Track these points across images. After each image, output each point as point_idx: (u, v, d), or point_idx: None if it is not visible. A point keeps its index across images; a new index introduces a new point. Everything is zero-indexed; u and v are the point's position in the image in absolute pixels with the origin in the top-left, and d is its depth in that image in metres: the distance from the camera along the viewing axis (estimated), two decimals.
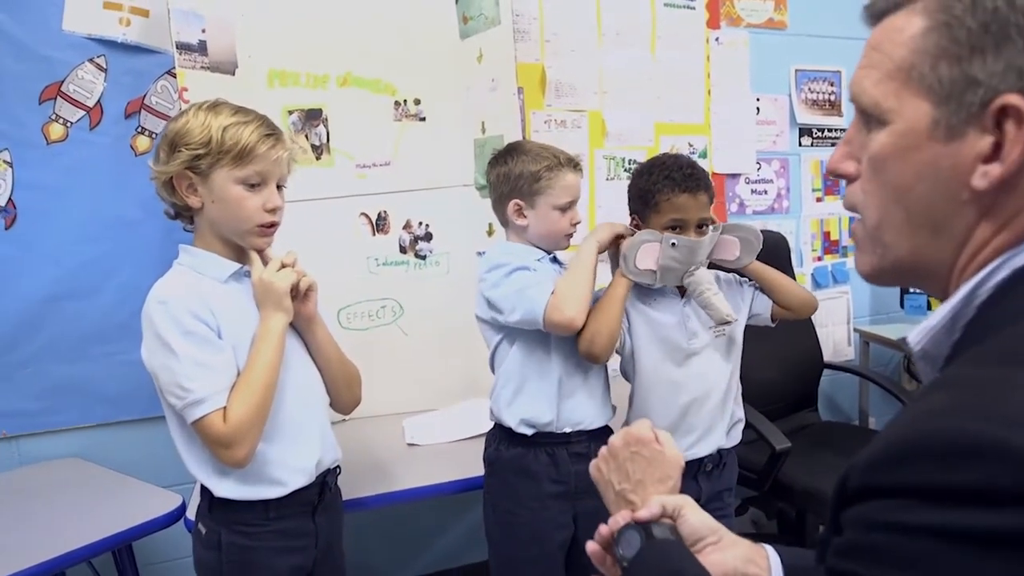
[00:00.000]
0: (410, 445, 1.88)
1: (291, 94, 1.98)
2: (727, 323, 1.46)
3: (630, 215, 1.56)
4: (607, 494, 0.88)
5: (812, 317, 1.71)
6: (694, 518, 0.79)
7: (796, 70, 2.72)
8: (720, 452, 1.60)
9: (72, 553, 1.41)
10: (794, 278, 2.41)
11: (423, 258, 2.15)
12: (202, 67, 1.82)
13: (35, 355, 1.90)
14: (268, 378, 1.21)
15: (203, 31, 1.82)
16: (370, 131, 2.06)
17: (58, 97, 1.88)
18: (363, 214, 2.10)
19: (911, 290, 2.77)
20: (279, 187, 1.27)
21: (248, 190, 1.22)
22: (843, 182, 0.65)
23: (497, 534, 1.57)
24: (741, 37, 2.61)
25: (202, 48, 1.82)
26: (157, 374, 1.20)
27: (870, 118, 0.60)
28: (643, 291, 1.56)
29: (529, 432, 1.49)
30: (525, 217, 1.50)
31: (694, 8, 2.51)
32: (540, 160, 1.47)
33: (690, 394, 1.54)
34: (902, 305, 2.87)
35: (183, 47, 1.80)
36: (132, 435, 1.99)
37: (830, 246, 2.86)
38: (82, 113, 1.91)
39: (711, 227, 1.50)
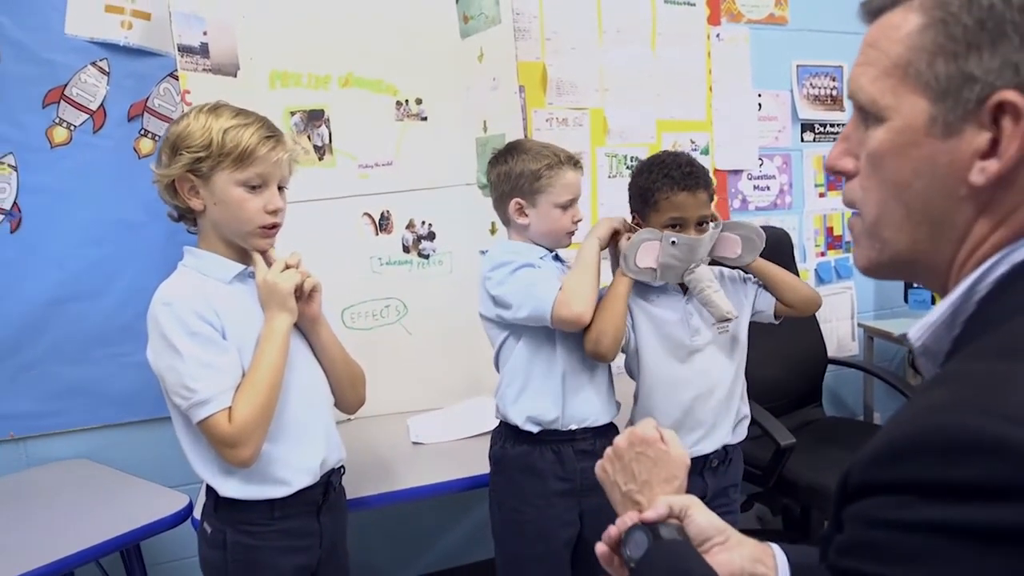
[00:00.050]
0: (415, 444, 1.89)
1: (293, 95, 1.99)
2: (728, 320, 1.46)
3: (631, 213, 1.57)
4: (613, 495, 0.88)
5: (816, 313, 1.71)
6: (701, 518, 0.79)
7: (797, 65, 2.72)
8: (726, 448, 1.60)
9: (80, 553, 1.42)
10: (797, 274, 2.40)
11: (426, 257, 2.16)
12: (204, 69, 1.83)
13: (41, 357, 1.91)
14: (273, 378, 1.22)
15: (204, 33, 1.83)
16: (372, 131, 2.07)
17: (61, 101, 1.89)
18: (366, 214, 2.11)
19: (915, 285, 2.77)
20: (280, 188, 1.28)
21: (249, 192, 1.22)
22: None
23: (503, 532, 1.58)
24: (742, 33, 2.60)
25: (204, 50, 1.83)
26: (163, 375, 1.21)
27: (868, 115, 0.60)
28: (646, 288, 1.56)
29: (535, 430, 1.49)
30: (526, 216, 1.50)
31: (694, 5, 2.51)
32: (540, 159, 1.48)
33: (694, 391, 1.55)
34: (906, 300, 2.87)
35: (185, 49, 1.80)
36: (139, 436, 2.00)
37: (833, 241, 2.85)
38: (85, 116, 1.91)
39: (711, 225, 1.50)
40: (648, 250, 1.46)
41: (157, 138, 1.97)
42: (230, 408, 1.19)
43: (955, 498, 0.44)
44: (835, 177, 2.65)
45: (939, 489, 0.45)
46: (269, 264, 1.28)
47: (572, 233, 1.54)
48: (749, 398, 1.66)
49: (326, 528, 1.36)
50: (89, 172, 1.92)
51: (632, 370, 1.61)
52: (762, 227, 1.57)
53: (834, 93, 2.79)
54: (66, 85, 1.89)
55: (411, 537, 2.39)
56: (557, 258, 1.56)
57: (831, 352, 2.61)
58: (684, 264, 1.47)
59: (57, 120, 1.89)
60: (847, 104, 0.54)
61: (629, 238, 1.49)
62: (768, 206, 2.73)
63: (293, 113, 2.00)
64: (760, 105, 2.68)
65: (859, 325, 2.87)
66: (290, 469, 1.28)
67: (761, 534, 2.61)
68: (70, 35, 1.87)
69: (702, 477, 1.57)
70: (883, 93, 0.58)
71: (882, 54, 0.58)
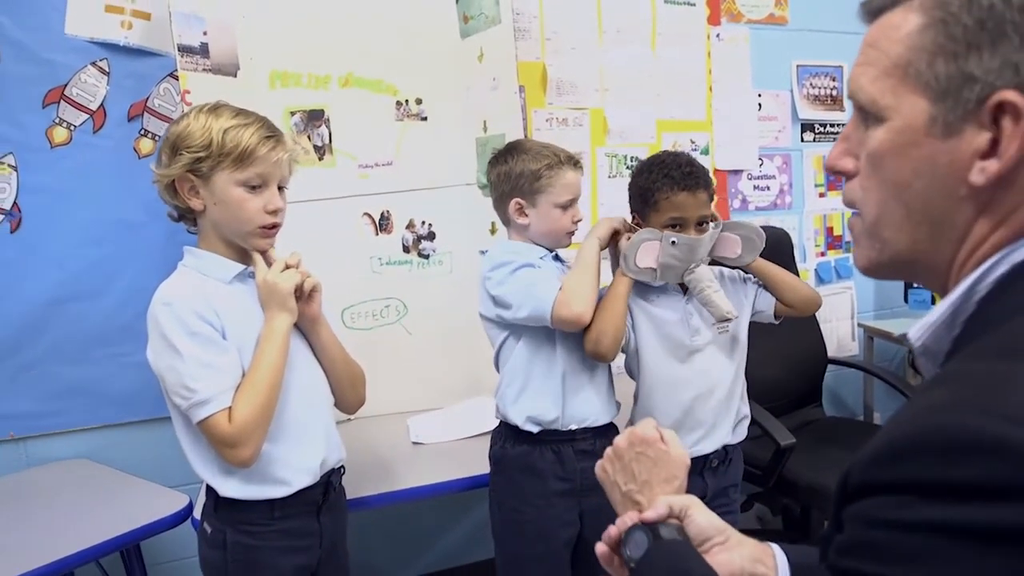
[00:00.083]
0: (415, 444, 1.89)
1: (293, 95, 1.99)
2: (727, 320, 1.46)
3: (631, 213, 1.57)
4: (613, 495, 0.88)
5: (816, 313, 1.71)
6: (701, 518, 0.79)
7: (797, 65, 2.72)
8: (726, 448, 1.60)
9: (80, 553, 1.42)
10: (797, 274, 2.40)
11: (426, 257, 2.16)
12: (204, 69, 1.83)
13: (41, 357, 1.91)
14: (273, 378, 1.22)
15: (204, 33, 1.83)
16: (372, 131, 2.07)
17: (61, 101, 1.89)
18: (366, 214, 2.11)
19: (915, 285, 2.77)
20: (280, 188, 1.28)
21: (249, 192, 1.23)
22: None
23: (503, 532, 1.58)
24: (742, 33, 2.60)
25: (204, 50, 1.83)
26: (163, 375, 1.21)
27: (868, 115, 0.60)
28: (646, 288, 1.56)
29: (535, 430, 1.49)
30: (526, 216, 1.50)
31: (694, 5, 2.51)
32: (540, 159, 1.48)
33: (694, 390, 1.55)
34: (906, 300, 2.87)
35: (185, 49, 1.80)
36: (139, 436, 2.00)
37: (833, 241, 2.85)
38: (85, 116, 1.91)
39: (711, 225, 1.50)
40: (648, 250, 1.46)
41: (157, 138, 1.97)
42: (230, 408, 1.19)
43: (955, 498, 0.44)
44: (835, 177, 2.66)
45: (939, 489, 0.45)
46: (269, 264, 1.28)
47: (572, 233, 1.54)
48: (749, 398, 1.66)
49: (326, 528, 1.36)
50: (89, 172, 1.92)
51: (632, 370, 1.61)
52: (762, 227, 1.57)
53: (834, 93, 2.79)
54: (66, 85, 1.89)
55: (411, 537, 2.39)
56: (557, 258, 1.56)
57: (831, 352, 2.61)
58: (684, 264, 1.47)
59: (57, 120, 1.89)
60: (847, 104, 0.53)
61: (629, 238, 1.50)
62: (768, 206, 2.73)
63: (293, 113, 2.00)
64: (760, 105, 2.68)
65: (859, 325, 2.87)
66: (290, 469, 1.28)
67: (761, 534, 2.61)
68: (70, 35, 1.87)
69: (702, 477, 1.57)
70: (883, 93, 0.58)
71: (882, 54, 0.58)
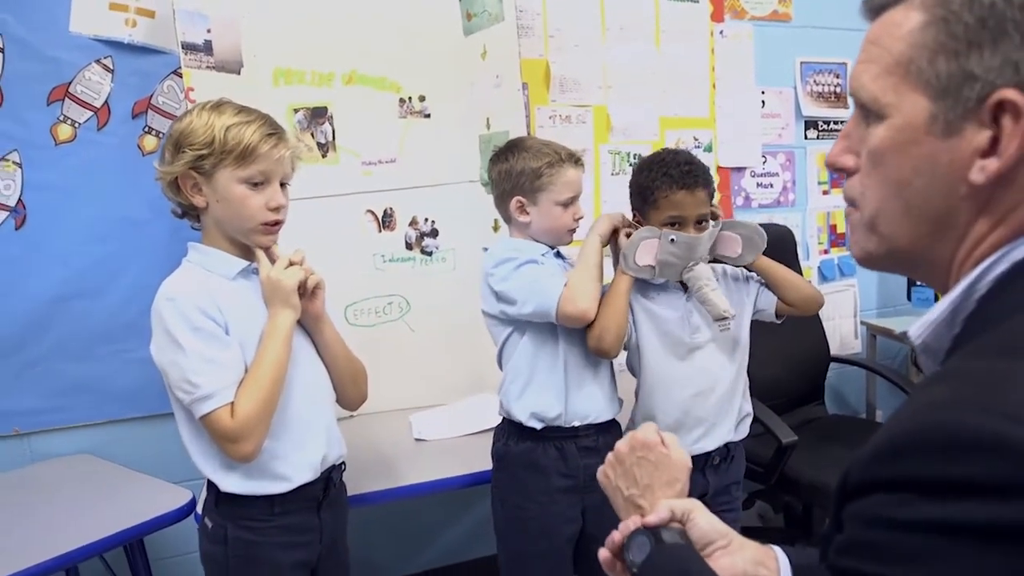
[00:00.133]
0: (417, 440, 1.89)
1: (296, 92, 1.99)
2: (725, 319, 1.46)
3: (631, 211, 1.57)
4: (616, 500, 0.88)
5: (818, 311, 1.70)
6: (703, 522, 0.79)
7: (801, 62, 2.71)
8: (728, 446, 1.60)
9: (84, 548, 1.43)
10: (800, 272, 2.41)
11: (429, 254, 2.16)
12: (208, 67, 1.83)
13: (45, 354, 1.92)
14: (275, 374, 1.23)
15: (208, 31, 1.83)
16: (375, 128, 2.07)
17: (66, 98, 1.89)
18: (369, 211, 2.11)
19: (918, 283, 2.76)
20: (283, 185, 1.28)
21: (251, 189, 1.23)
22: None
23: (506, 529, 1.58)
24: (745, 30, 2.60)
25: (207, 48, 1.83)
26: (166, 370, 1.21)
27: (869, 112, 0.60)
28: (647, 286, 1.56)
29: (538, 426, 1.49)
30: (528, 214, 1.50)
31: (698, 1, 2.50)
32: (541, 157, 1.48)
33: (694, 388, 1.55)
34: (909, 298, 2.86)
35: (189, 47, 1.80)
36: (142, 431, 2.01)
37: (836, 239, 2.84)
38: (90, 114, 1.92)
39: (711, 223, 1.50)
40: (647, 248, 1.47)
41: (161, 135, 1.97)
42: (232, 403, 1.19)
43: (955, 496, 0.44)
44: (837, 174, 2.64)
45: (939, 486, 0.45)
46: (273, 261, 1.28)
47: (573, 231, 1.54)
48: (751, 396, 1.66)
49: (326, 524, 1.36)
50: (93, 169, 1.92)
51: (634, 367, 1.62)
52: (765, 224, 1.57)
53: (838, 90, 2.78)
54: (70, 82, 1.89)
55: (413, 533, 2.39)
56: (559, 255, 1.56)
57: (834, 350, 2.61)
58: (683, 262, 1.47)
59: (61, 117, 1.90)
60: (851, 101, 0.53)
61: (629, 235, 1.50)
62: (771, 203, 2.73)
63: (296, 110, 2.00)
64: (763, 102, 2.67)
65: (862, 323, 2.86)
66: (291, 465, 1.28)
67: (763, 531, 2.62)
68: (74, 33, 1.88)
69: (704, 474, 1.57)
70: (884, 91, 0.58)
71: (884, 51, 0.58)
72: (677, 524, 0.79)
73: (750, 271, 1.63)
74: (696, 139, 2.55)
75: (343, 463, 1.42)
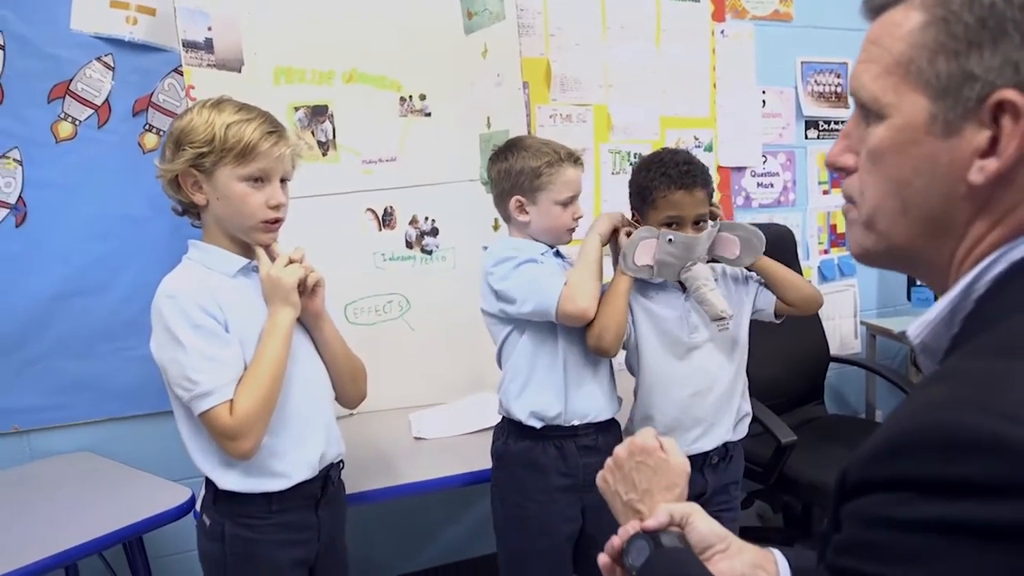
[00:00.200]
0: (417, 439, 1.89)
1: (297, 91, 1.99)
2: (722, 319, 1.46)
3: (631, 210, 1.57)
4: (615, 505, 0.88)
5: (819, 310, 1.70)
6: (702, 526, 0.79)
7: (802, 62, 2.71)
8: (726, 446, 1.60)
9: (83, 545, 1.43)
10: (800, 272, 2.41)
11: (429, 253, 2.16)
12: (208, 65, 1.83)
13: (45, 352, 1.92)
14: (275, 371, 1.23)
15: (209, 29, 1.83)
16: (376, 127, 2.07)
17: (66, 96, 1.89)
18: (369, 209, 2.11)
19: (918, 283, 2.76)
20: (283, 183, 1.28)
21: (251, 187, 1.23)
22: None
23: (505, 527, 1.58)
24: (746, 30, 2.60)
25: (208, 46, 1.83)
26: (165, 367, 1.22)
27: (869, 112, 0.60)
28: (645, 285, 1.56)
29: (537, 425, 1.50)
30: (527, 213, 1.50)
31: (699, 1, 2.50)
32: (540, 156, 1.48)
33: (693, 387, 1.55)
34: (909, 298, 2.86)
35: (189, 45, 1.80)
36: (142, 429, 2.01)
37: (836, 239, 2.84)
38: (90, 111, 1.92)
39: (710, 224, 1.51)
40: (646, 248, 1.47)
41: (161, 133, 1.97)
42: (232, 401, 1.19)
43: (953, 495, 0.45)
44: (838, 174, 2.65)
45: (938, 486, 0.45)
46: (273, 259, 1.29)
47: (573, 230, 1.54)
48: (751, 395, 1.66)
49: (324, 522, 1.37)
50: (94, 167, 1.92)
51: (632, 366, 1.62)
52: (765, 224, 1.57)
53: (838, 90, 2.78)
54: (71, 80, 1.89)
55: (413, 532, 2.40)
56: (558, 254, 1.57)
57: (833, 350, 2.61)
58: (681, 262, 1.48)
59: (62, 115, 1.90)
60: (851, 101, 0.53)
61: (629, 234, 1.50)
62: (771, 203, 2.73)
63: (297, 109, 2.00)
64: (764, 102, 2.67)
65: (862, 323, 2.86)
66: (289, 463, 1.28)
67: (762, 531, 2.62)
68: (75, 30, 1.88)
69: (702, 474, 1.57)
70: (884, 91, 0.58)
71: (884, 51, 0.58)
72: (676, 528, 0.78)
73: (750, 271, 1.64)
74: (696, 139, 2.55)
75: (341, 461, 1.42)
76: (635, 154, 2.43)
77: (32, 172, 1.88)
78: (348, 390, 1.42)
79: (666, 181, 1.47)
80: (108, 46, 1.91)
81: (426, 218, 2.15)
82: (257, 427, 1.21)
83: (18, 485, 1.77)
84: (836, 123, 2.80)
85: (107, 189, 1.93)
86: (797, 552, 0.79)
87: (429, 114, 2.12)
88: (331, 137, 2.04)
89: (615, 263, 1.53)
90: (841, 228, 2.85)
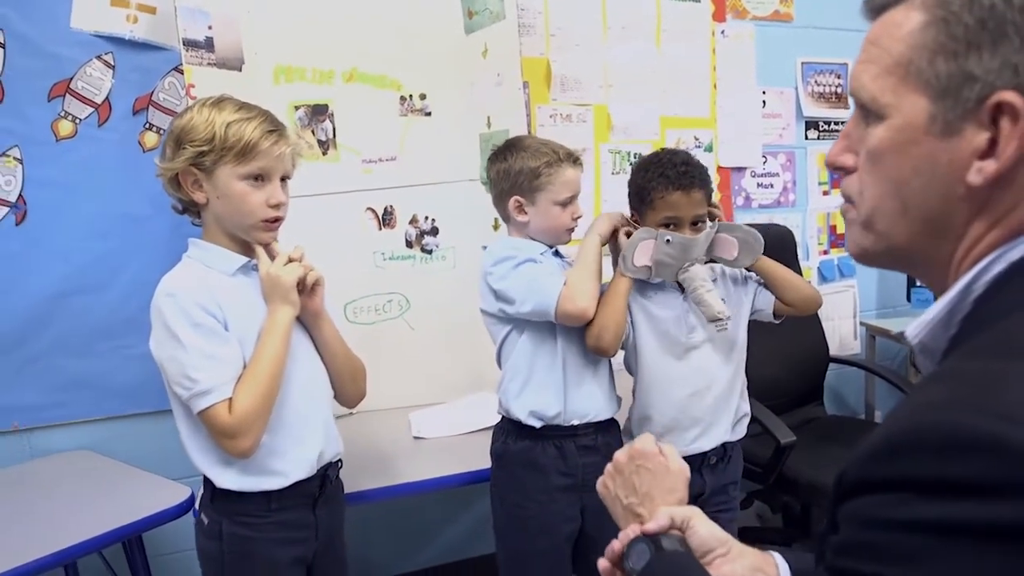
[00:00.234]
0: (416, 438, 1.89)
1: (297, 90, 2.00)
2: (719, 320, 1.46)
3: (630, 210, 1.58)
4: (615, 509, 0.88)
5: (818, 311, 1.70)
6: (703, 529, 0.78)
7: (802, 63, 2.71)
8: (725, 446, 1.60)
9: (83, 544, 1.43)
10: (800, 272, 2.41)
11: (429, 252, 2.16)
12: (209, 63, 1.84)
13: (45, 350, 1.92)
14: (274, 370, 1.23)
15: (209, 28, 1.83)
16: (376, 126, 2.07)
17: (67, 94, 1.89)
18: (369, 209, 2.11)
19: (918, 284, 2.77)
20: (284, 181, 1.28)
21: (252, 186, 1.23)
22: None
23: (505, 527, 1.58)
24: (747, 30, 2.60)
25: (209, 45, 1.83)
26: (164, 365, 1.22)
27: (868, 112, 0.60)
28: (644, 285, 1.56)
29: (537, 424, 1.50)
30: (526, 213, 1.50)
31: (699, 1, 2.50)
32: (539, 156, 1.48)
33: (691, 387, 1.55)
34: (909, 299, 2.86)
35: (190, 44, 1.81)
36: (142, 428, 2.01)
37: (836, 240, 2.84)
38: (90, 110, 1.92)
39: (708, 225, 1.51)
40: (644, 248, 1.47)
41: (162, 132, 1.97)
42: (231, 399, 1.19)
43: (952, 495, 0.45)
44: (838, 174, 2.65)
45: (936, 486, 0.46)
46: (272, 257, 1.29)
47: (572, 230, 1.54)
48: (750, 396, 1.66)
49: (322, 521, 1.37)
50: (94, 165, 1.92)
51: (631, 366, 1.62)
52: (765, 224, 1.57)
53: (839, 91, 2.78)
54: (71, 79, 1.89)
55: (412, 531, 2.40)
56: (557, 254, 1.57)
57: (833, 350, 2.61)
58: (678, 262, 1.48)
59: (62, 113, 1.90)
60: (851, 101, 0.53)
61: (628, 234, 1.50)
62: (771, 204, 2.73)
63: (297, 108, 2.00)
64: (764, 102, 2.67)
65: (861, 323, 2.86)
66: (287, 461, 1.29)
67: (761, 531, 2.61)
68: (76, 29, 1.88)
69: (700, 474, 1.57)
70: (884, 91, 0.58)
71: (884, 52, 0.58)
72: (676, 531, 0.78)
73: (749, 271, 1.64)
74: (697, 139, 2.55)
75: (340, 460, 1.42)
76: (635, 154, 2.43)
77: (32, 170, 1.88)
78: (347, 389, 1.42)
79: (664, 182, 1.47)
80: (108, 44, 1.91)
81: (426, 217, 2.15)
82: (256, 425, 1.21)
83: (18, 483, 1.77)
84: (836, 124, 2.80)
85: (107, 187, 1.94)
86: (797, 555, 0.79)
87: (429, 113, 2.12)
88: (331, 136, 2.04)
89: (615, 263, 1.53)
90: (841, 229, 2.85)
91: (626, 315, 1.51)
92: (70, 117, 1.90)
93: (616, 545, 0.79)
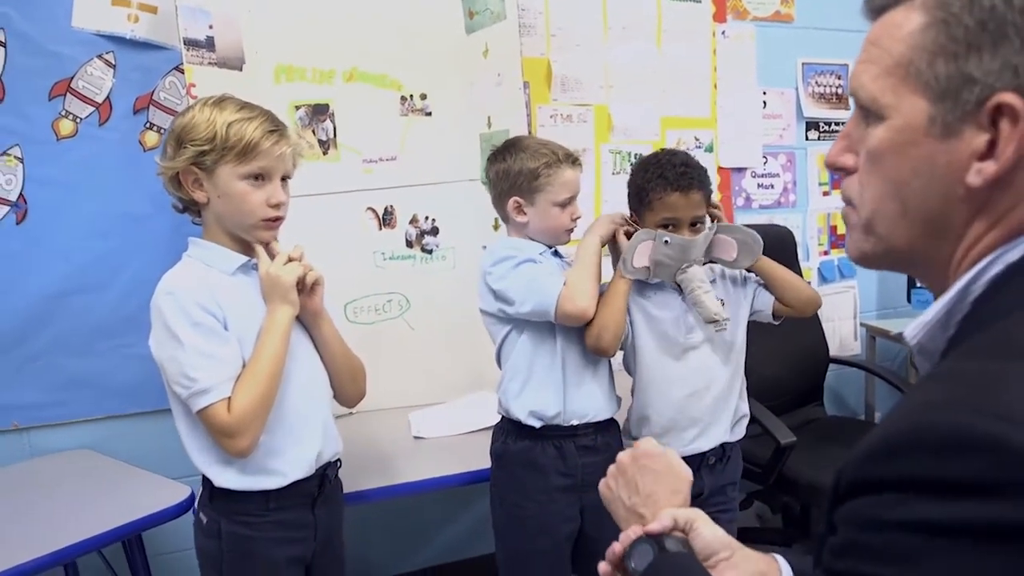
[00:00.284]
0: (416, 438, 1.89)
1: (298, 89, 2.00)
2: (715, 322, 1.46)
3: (629, 211, 1.58)
4: (617, 510, 0.87)
5: (818, 311, 1.70)
6: (707, 532, 0.77)
7: (803, 63, 2.71)
8: (723, 447, 1.60)
9: (83, 543, 1.43)
10: (800, 273, 2.41)
11: (429, 252, 2.16)
12: (210, 63, 1.84)
13: (45, 349, 1.92)
14: (273, 369, 1.23)
15: (210, 27, 1.83)
16: (376, 126, 2.07)
17: (67, 93, 1.89)
18: (370, 208, 2.11)
19: (918, 284, 2.77)
20: (284, 180, 1.28)
21: (252, 185, 1.23)
22: None
23: (504, 527, 1.58)
24: (747, 30, 2.60)
25: (210, 44, 1.83)
26: (164, 364, 1.22)
27: (868, 113, 0.60)
28: (643, 286, 1.57)
29: (537, 424, 1.50)
30: (525, 214, 1.50)
31: (700, 2, 2.50)
32: (538, 157, 1.48)
33: (689, 388, 1.55)
34: (909, 300, 2.86)
35: (191, 43, 1.81)
36: (142, 427, 2.01)
37: (836, 240, 2.84)
38: (91, 109, 1.92)
39: (707, 225, 1.51)
40: (643, 249, 1.48)
41: (162, 131, 1.97)
42: (230, 398, 1.20)
43: (950, 495, 0.45)
44: (838, 175, 2.65)
45: (933, 486, 0.46)
46: (272, 257, 1.29)
47: (571, 231, 1.54)
48: (750, 396, 1.66)
49: (321, 520, 1.37)
50: (95, 165, 1.93)
51: (630, 366, 1.62)
52: (765, 225, 1.57)
53: (839, 91, 2.78)
54: (72, 78, 1.89)
55: (412, 531, 2.40)
56: (556, 254, 1.57)
57: (833, 351, 2.61)
58: (676, 263, 1.48)
59: (63, 112, 1.90)
60: (851, 102, 0.53)
61: (627, 233, 1.51)
62: (772, 204, 2.73)
63: (298, 107, 2.01)
64: (765, 103, 2.67)
65: (861, 324, 2.86)
66: (286, 461, 1.29)
67: (761, 532, 2.61)
68: (77, 28, 1.88)
69: (699, 475, 1.57)
70: (884, 91, 0.58)
71: (884, 52, 0.58)
72: (679, 533, 0.78)
73: (749, 271, 1.64)
74: (697, 139, 2.56)
75: (339, 460, 1.42)
76: (635, 154, 2.43)
77: (33, 169, 1.88)
78: (347, 389, 1.42)
79: (662, 183, 1.47)
80: (109, 44, 1.91)
81: (426, 217, 2.15)
82: (254, 425, 1.21)
83: (17, 482, 1.77)
84: (837, 124, 2.80)
85: (108, 187, 1.94)
86: (800, 558, 0.78)
87: (430, 113, 2.12)
88: (332, 136, 2.04)
89: (615, 264, 1.53)
90: (841, 230, 2.85)
91: (626, 315, 1.51)
92: (71, 116, 1.91)
93: (617, 547, 0.79)
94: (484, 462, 1.61)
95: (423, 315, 2.14)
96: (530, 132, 2.17)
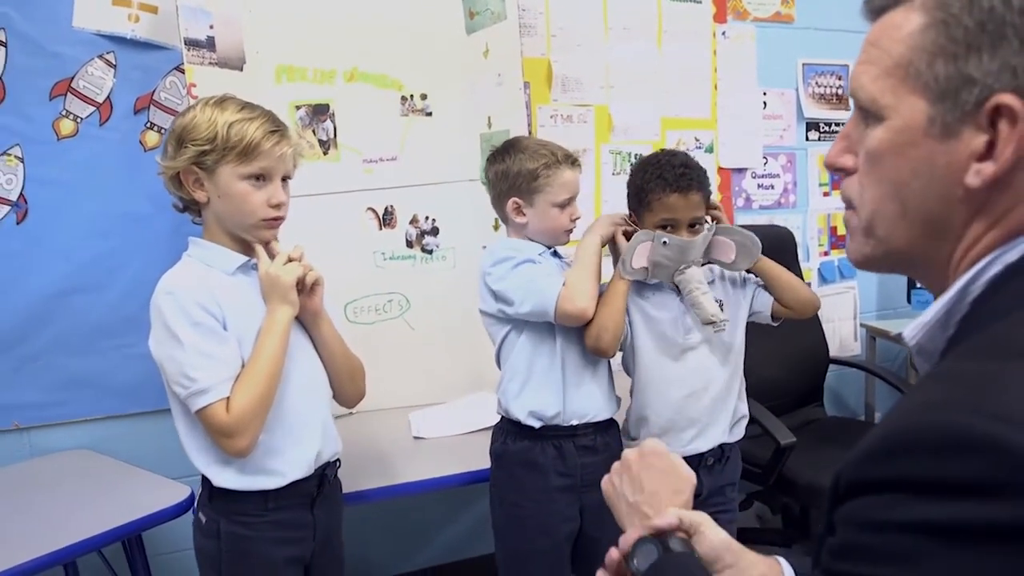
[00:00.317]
0: (416, 438, 1.89)
1: (298, 89, 2.00)
2: (713, 323, 1.46)
3: (629, 211, 1.58)
4: (619, 508, 0.86)
5: (819, 312, 1.70)
6: (713, 536, 0.76)
7: (803, 64, 2.71)
8: (722, 447, 1.60)
9: (82, 543, 1.43)
10: (800, 274, 2.41)
11: (429, 252, 2.16)
12: (210, 63, 1.84)
13: (46, 348, 1.92)
14: (272, 369, 1.23)
15: (211, 27, 1.83)
16: (377, 126, 2.07)
17: (68, 93, 1.89)
18: (370, 209, 2.11)
19: (918, 285, 2.76)
20: (285, 180, 1.29)
21: (253, 185, 1.24)
22: None
23: (504, 527, 1.58)
24: (748, 31, 2.60)
25: (210, 44, 1.84)
26: (163, 363, 1.22)
27: (868, 114, 0.60)
28: (642, 286, 1.57)
29: (536, 425, 1.50)
30: (524, 215, 1.51)
31: (700, 2, 2.50)
32: (538, 158, 1.48)
33: (687, 388, 1.55)
34: (909, 300, 2.86)
35: (191, 43, 1.81)
36: (142, 427, 2.01)
37: (837, 241, 2.84)
38: (92, 109, 1.92)
39: (706, 226, 1.51)
40: (642, 250, 1.48)
41: (163, 131, 1.97)
42: (229, 398, 1.20)
43: (949, 496, 0.45)
44: (838, 176, 2.65)
45: (932, 486, 0.46)
46: (272, 257, 1.29)
47: (570, 231, 1.54)
48: (750, 397, 1.66)
49: (320, 520, 1.37)
50: (95, 164, 1.93)
51: (628, 366, 1.62)
52: (765, 226, 1.57)
53: (840, 92, 2.78)
54: (73, 77, 1.89)
55: (411, 531, 2.40)
56: (556, 254, 1.57)
57: (833, 352, 2.61)
58: (675, 264, 1.48)
59: (64, 112, 1.90)
60: (851, 102, 0.53)
61: (626, 233, 1.51)
62: (772, 205, 2.73)
63: (298, 107, 2.01)
64: (765, 103, 2.67)
65: (861, 325, 2.86)
66: (285, 461, 1.29)
67: (760, 532, 2.61)
68: (77, 28, 1.88)
69: (697, 475, 1.56)
70: (883, 92, 0.58)
71: (883, 53, 0.59)
72: (683, 534, 0.77)
73: (749, 272, 1.64)
74: (697, 140, 2.56)
75: (338, 460, 1.42)
76: (636, 155, 2.43)
77: (33, 169, 1.88)
78: (347, 389, 1.42)
79: (661, 184, 1.47)
80: (110, 44, 1.91)
81: (426, 217, 2.15)
82: (253, 424, 1.21)
83: (17, 482, 1.77)
84: (837, 125, 2.80)
85: (108, 186, 1.94)
86: (803, 560, 0.78)
87: (430, 113, 2.12)
88: (332, 136, 2.04)
89: (615, 264, 1.53)
90: (842, 230, 2.85)
91: (625, 316, 1.51)
92: (71, 116, 1.91)
93: (614, 553, 0.78)
94: (484, 462, 1.61)
95: (423, 315, 2.15)
96: (530, 132, 2.17)
